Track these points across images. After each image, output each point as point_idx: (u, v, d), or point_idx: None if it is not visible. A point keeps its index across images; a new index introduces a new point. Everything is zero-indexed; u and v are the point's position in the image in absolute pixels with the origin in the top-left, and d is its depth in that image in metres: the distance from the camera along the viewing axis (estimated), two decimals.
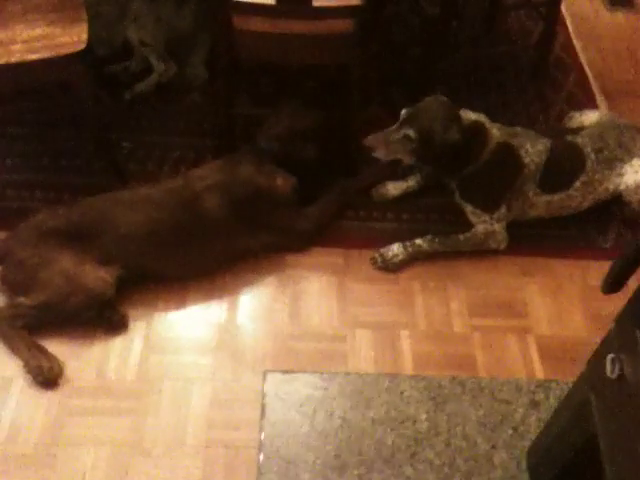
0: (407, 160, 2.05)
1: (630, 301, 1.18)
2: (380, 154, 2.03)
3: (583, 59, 2.90)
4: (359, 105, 2.17)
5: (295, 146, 2.08)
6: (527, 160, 2.04)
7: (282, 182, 2.00)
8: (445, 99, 2.02)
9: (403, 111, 2.00)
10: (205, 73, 2.59)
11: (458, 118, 1.99)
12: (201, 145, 2.37)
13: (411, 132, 1.96)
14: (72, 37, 1.85)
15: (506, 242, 2.12)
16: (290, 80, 2.49)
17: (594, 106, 2.65)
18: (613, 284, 1.14)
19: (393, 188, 2.24)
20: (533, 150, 2.06)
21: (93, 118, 2.09)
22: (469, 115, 2.03)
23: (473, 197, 2.08)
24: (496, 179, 2.05)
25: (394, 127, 2.00)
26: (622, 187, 2.13)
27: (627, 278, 1.14)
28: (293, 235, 2.06)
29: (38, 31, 1.86)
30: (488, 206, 2.06)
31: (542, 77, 2.75)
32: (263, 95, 2.50)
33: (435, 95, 2.03)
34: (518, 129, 2.14)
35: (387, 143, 2.00)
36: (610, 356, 1.18)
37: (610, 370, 1.17)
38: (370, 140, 2.01)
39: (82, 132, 2.23)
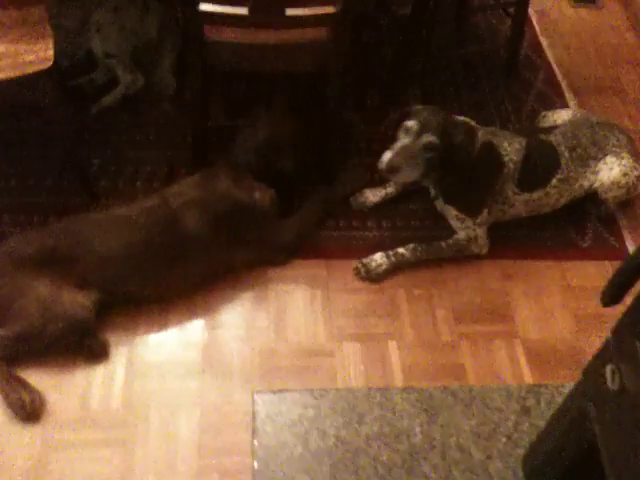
0: (415, 176, 1.96)
1: (628, 312, 1.18)
2: (404, 175, 1.92)
3: (551, 57, 2.93)
4: (334, 110, 2.13)
5: (272, 157, 2.04)
6: (506, 159, 2.04)
7: (261, 195, 1.96)
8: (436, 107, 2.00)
9: (410, 122, 1.91)
10: (173, 82, 2.53)
11: (460, 122, 1.98)
12: (174, 158, 2.31)
13: (434, 138, 1.89)
14: (38, 54, 1.78)
15: (487, 247, 2.12)
16: (264, 88, 2.45)
17: (564, 104, 2.68)
18: (613, 296, 1.14)
19: (372, 195, 2.21)
20: (511, 148, 2.06)
21: (62, 136, 2.01)
22: (457, 118, 2.03)
23: (457, 200, 2.07)
24: (480, 179, 2.04)
25: (406, 139, 1.91)
26: (597, 184, 2.15)
27: (627, 290, 1.13)
28: (274, 248, 2.02)
29: (1, 49, 1.78)
30: (472, 210, 2.06)
31: (512, 76, 2.76)
32: (236, 104, 2.45)
33: (427, 105, 2.02)
34: (495, 129, 2.15)
35: (407, 158, 1.89)
36: (610, 367, 1.18)
37: (610, 382, 1.17)
38: (391, 161, 1.88)
39: (50, 150, 2.15)
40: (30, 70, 1.73)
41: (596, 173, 2.15)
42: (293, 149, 2.07)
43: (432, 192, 2.14)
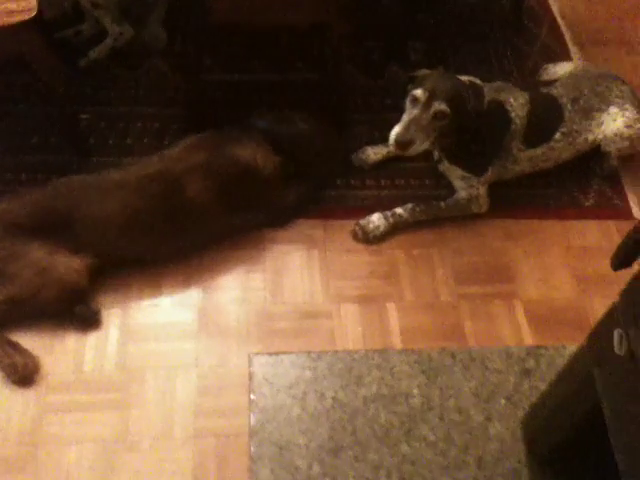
0: (427, 146, 1.89)
1: (638, 276, 1.14)
2: (416, 148, 1.84)
3: (555, 9, 2.83)
4: (335, 65, 2.05)
5: (286, 124, 1.97)
6: (513, 115, 1.98)
7: (267, 160, 1.89)
8: (442, 69, 1.92)
9: (418, 91, 1.82)
10: (164, 35, 2.43)
11: (469, 85, 1.89)
12: (166, 114, 2.23)
13: (443, 106, 1.80)
14: (20, 3, 1.68)
15: (487, 205, 2.07)
16: (262, 43, 2.35)
17: (568, 57, 2.60)
18: (623, 261, 1.10)
19: (373, 153, 2.15)
20: (516, 104, 1.99)
21: (49, 91, 1.93)
22: (464, 78, 1.94)
23: (463, 160, 2.00)
24: (487, 139, 1.97)
25: (415, 110, 1.83)
26: (600, 137, 2.09)
27: (638, 254, 1.09)
28: (276, 213, 1.96)
29: None
30: (478, 168, 2.00)
31: (516, 29, 2.67)
32: (233, 59, 2.36)
33: (436, 68, 1.93)
34: (499, 83, 2.07)
35: (418, 130, 1.81)
36: (617, 332, 1.14)
37: (618, 346, 1.14)
38: (401, 136, 1.81)
39: (36, 106, 2.07)
40: (12, 20, 1.64)
41: (600, 125, 2.09)
42: (320, 155, 2.03)
43: (435, 155, 2.07)
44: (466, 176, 2.01)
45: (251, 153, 1.89)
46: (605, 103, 2.08)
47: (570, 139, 2.07)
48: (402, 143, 1.81)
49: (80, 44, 2.37)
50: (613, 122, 2.07)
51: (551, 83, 2.13)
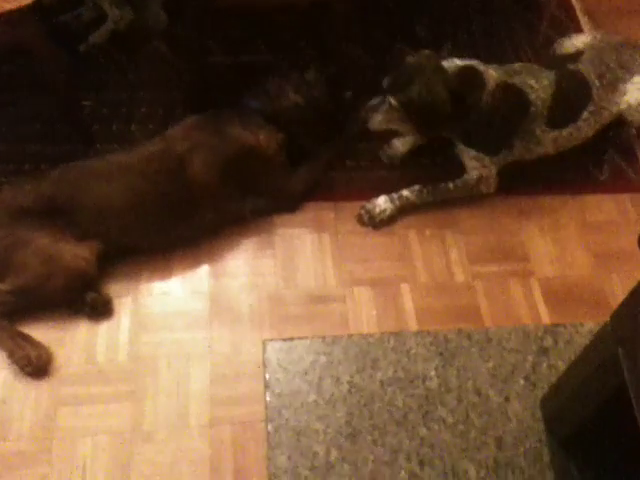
0: (404, 129, 1.95)
1: None
2: (405, 138, 2.00)
3: None
4: (339, 46, 2.00)
5: (285, 102, 1.92)
6: (533, 97, 1.91)
7: (270, 139, 1.85)
8: (428, 53, 1.87)
9: (385, 80, 1.87)
10: (165, 18, 2.37)
11: (442, 72, 1.84)
12: (169, 99, 2.19)
13: (392, 100, 1.84)
14: None
15: (495, 185, 2.02)
16: (265, 24, 2.29)
17: (578, 29, 2.53)
18: None
19: (401, 145, 2.08)
20: (539, 86, 1.92)
21: (50, 78, 1.89)
22: (456, 63, 1.88)
23: (478, 142, 1.95)
24: (502, 122, 1.91)
25: (380, 98, 1.90)
26: (624, 107, 2.04)
27: None
28: (284, 196, 1.93)
29: None
30: (492, 149, 1.95)
31: (524, 1, 2.60)
32: (236, 41, 2.31)
33: (419, 52, 1.87)
34: (517, 65, 1.99)
35: (380, 114, 1.91)
36: None
37: None
38: (376, 123, 1.93)
39: (38, 94, 2.03)
40: (9, 6, 1.60)
41: (623, 95, 2.03)
42: (318, 118, 1.98)
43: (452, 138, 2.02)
44: (479, 156, 1.96)
45: (253, 132, 1.85)
46: (629, 73, 2.03)
47: (597, 117, 2.01)
48: (378, 131, 1.92)
49: (79, 29, 2.32)
50: (638, 91, 2.02)
51: (576, 57, 2.05)
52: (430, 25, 2.43)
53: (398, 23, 2.44)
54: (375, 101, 1.93)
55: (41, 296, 1.67)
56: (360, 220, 1.96)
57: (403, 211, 1.97)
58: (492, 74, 1.89)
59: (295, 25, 2.29)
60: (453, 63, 1.88)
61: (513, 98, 1.90)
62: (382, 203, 1.95)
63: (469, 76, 1.86)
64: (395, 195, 1.96)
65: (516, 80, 1.91)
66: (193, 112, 1.94)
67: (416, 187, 1.97)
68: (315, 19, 2.16)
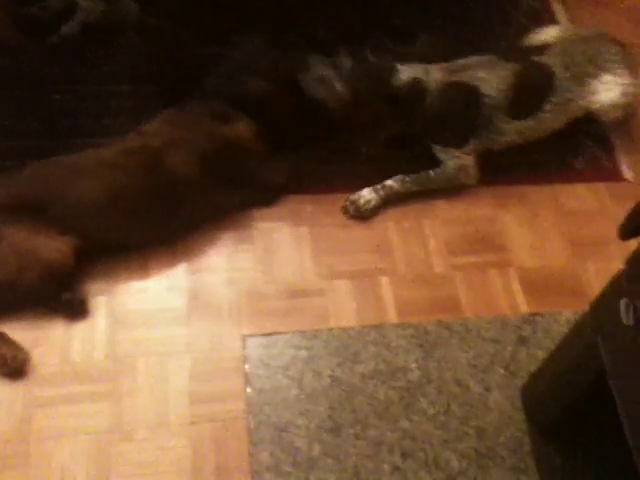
0: None
1: None
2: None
3: None
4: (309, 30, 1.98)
5: (242, 79, 1.89)
6: (487, 89, 1.93)
7: (244, 129, 1.83)
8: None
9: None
10: (136, 7, 2.32)
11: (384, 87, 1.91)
12: (142, 92, 2.14)
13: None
14: None
15: (478, 177, 2.03)
16: (243, 13, 2.25)
17: (554, 19, 2.54)
18: (631, 229, 1.06)
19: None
20: (492, 77, 1.94)
21: (17, 71, 1.84)
22: (400, 77, 1.92)
23: (438, 138, 1.98)
24: (452, 118, 1.95)
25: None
26: (596, 106, 2.05)
27: None
28: (264, 189, 1.91)
29: None
30: (455, 143, 1.97)
31: None
32: (213, 32, 2.26)
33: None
34: (472, 59, 2.01)
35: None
36: (624, 301, 1.12)
37: (625, 316, 1.11)
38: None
39: (6, 89, 1.97)
40: None
41: (594, 94, 2.05)
42: (267, 72, 1.92)
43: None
44: (446, 150, 1.98)
45: (227, 124, 1.83)
46: (598, 68, 2.04)
47: (562, 108, 2.03)
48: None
49: (49, 20, 2.26)
50: (608, 91, 2.04)
51: (542, 49, 2.07)
52: (405, 13, 2.41)
53: (368, 10, 2.41)
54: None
55: (17, 291, 1.63)
56: (346, 212, 1.95)
57: (388, 201, 1.97)
58: (435, 77, 1.93)
59: (273, 13, 2.26)
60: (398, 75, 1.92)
61: (458, 95, 1.93)
62: (366, 194, 1.94)
63: (412, 88, 1.92)
64: (379, 186, 1.95)
65: (464, 76, 1.94)
66: (167, 104, 1.91)
67: (399, 176, 1.97)
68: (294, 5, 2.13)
